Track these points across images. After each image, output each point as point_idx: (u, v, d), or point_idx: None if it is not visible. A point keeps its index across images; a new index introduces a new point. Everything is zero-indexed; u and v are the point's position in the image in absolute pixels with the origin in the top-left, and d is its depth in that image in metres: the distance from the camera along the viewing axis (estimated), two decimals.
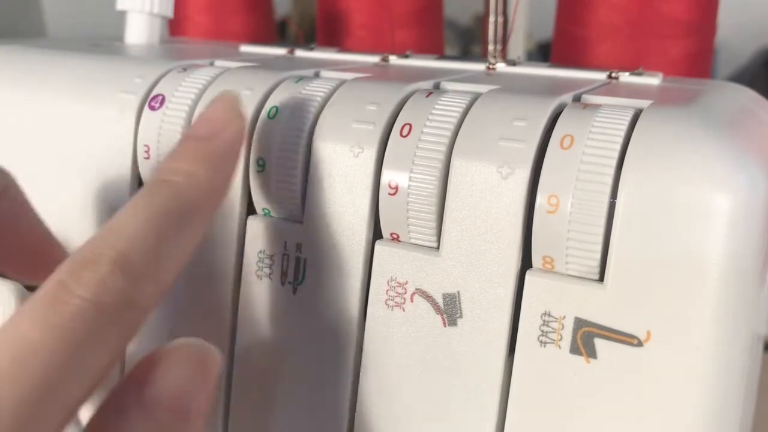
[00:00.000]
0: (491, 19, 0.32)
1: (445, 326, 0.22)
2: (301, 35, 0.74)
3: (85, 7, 0.56)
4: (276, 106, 0.24)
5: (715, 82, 0.28)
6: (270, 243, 0.24)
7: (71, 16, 0.58)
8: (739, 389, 0.20)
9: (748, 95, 0.26)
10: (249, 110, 0.24)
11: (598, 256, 0.20)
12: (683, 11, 0.36)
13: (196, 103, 0.25)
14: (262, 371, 0.24)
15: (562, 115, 0.21)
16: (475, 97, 0.22)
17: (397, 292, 0.22)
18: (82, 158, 0.27)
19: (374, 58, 0.31)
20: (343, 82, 0.24)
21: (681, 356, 0.19)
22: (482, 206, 0.21)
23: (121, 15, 0.36)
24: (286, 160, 0.23)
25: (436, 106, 0.22)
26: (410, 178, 0.21)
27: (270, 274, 0.24)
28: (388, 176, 0.22)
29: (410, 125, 0.22)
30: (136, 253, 0.17)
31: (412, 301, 0.22)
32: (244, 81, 0.25)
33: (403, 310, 0.22)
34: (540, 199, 0.20)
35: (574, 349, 0.20)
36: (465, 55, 0.84)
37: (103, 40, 0.36)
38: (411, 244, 0.22)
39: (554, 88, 0.24)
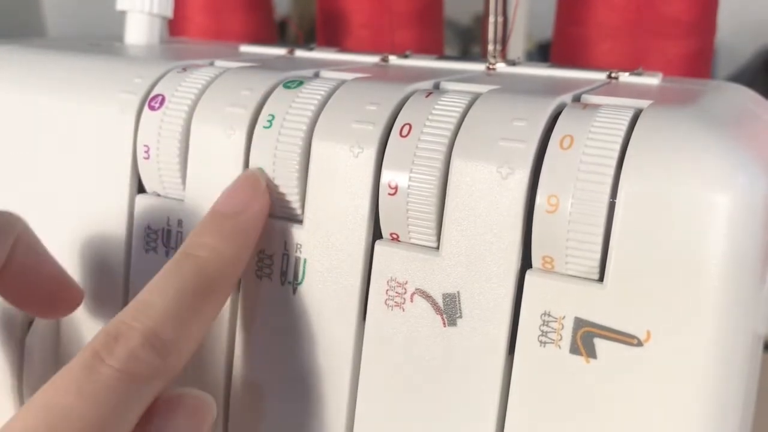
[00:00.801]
0: (491, 19, 0.32)
1: (444, 326, 0.22)
2: (301, 35, 0.74)
3: (85, 7, 0.56)
4: (275, 108, 0.24)
5: (715, 82, 0.28)
6: (270, 243, 0.24)
7: (71, 16, 0.58)
8: (739, 389, 0.20)
9: (748, 95, 0.26)
10: (249, 111, 0.24)
11: (598, 256, 0.20)
12: (683, 11, 0.36)
13: (195, 103, 0.25)
14: (262, 371, 0.24)
15: (561, 115, 0.21)
16: (475, 97, 0.22)
17: (397, 292, 0.22)
18: (82, 158, 0.27)
19: (374, 58, 0.31)
20: (343, 82, 0.24)
21: (681, 356, 0.19)
22: (482, 206, 0.21)
23: (121, 15, 0.36)
24: (286, 161, 0.23)
25: (436, 106, 0.22)
26: (410, 178, 0.21)
27: (270, 274, 0.24)
28: (387, 176, 0.22)
29: (410, 125, 0.22)
30: (163, 329, 0.19)
31: (412, 301, 0.22)
32: (243, 81, 0.25)
33: (403, 310, 0.22)
34: (540, 199, 0.20)
35: (574, 349, 0.20)
36: (465, 55, 0.84)
37: (103, 40, 0.36)
38: (411, 244, 0.22)
39: (554, 88, 0.24)
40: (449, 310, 0.21)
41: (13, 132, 0.29)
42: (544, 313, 0.20)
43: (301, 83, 0.24)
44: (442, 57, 0.31)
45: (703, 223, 0.18)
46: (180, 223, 0.25)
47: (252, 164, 0.24)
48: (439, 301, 0.22)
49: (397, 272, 0.22)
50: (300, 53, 0.32)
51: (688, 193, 0.18)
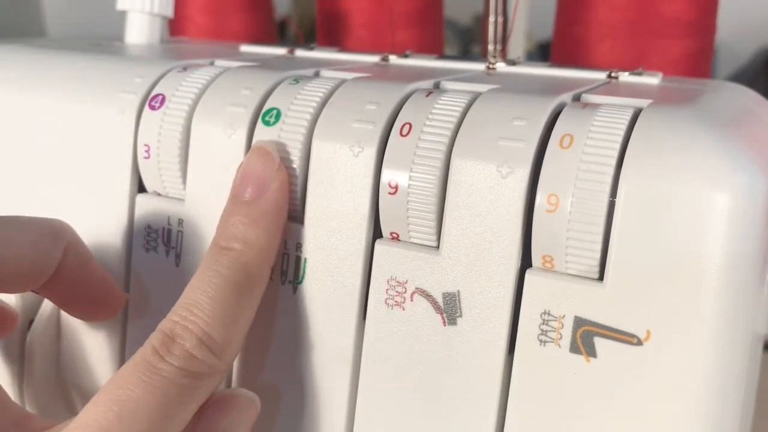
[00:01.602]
0: (491, 19, 0.32)
1: (445, 325, 0.22)
2: (301, 35, 0.74)
3: (85, 7, 0.56)
4: (276, 108, 0.24)
5: (715, 82, 0.28)
6: None
7: (71, 16, 0.58)
8: (738, 388, 0.20)
9: (748, 95, 0.26)
10: (249, 110, 0.24)
11: (598, 255, 0.20)
12: (683, 11, 0.36)
13: (196, 102, 0.25)
14: (262, 370, 0.24)
15: (561, 114, 0.21)
16: (475, 96, 0.22)
17: (397, 291, 0.22)
18: (82, 158, 0.27)
19: (374, 58, 0.31)
20: (343, 81, 0.24)
21: (680, 355, 0.19)
22: (482, 205, 0.21)
23: (121, 15, 0.36)
24: (286, 160, 0.23)
25: (436, 106, 0.22)
26: (410, 177, 0.21)
27: (270, 273, 0.24)
28: (388, 175, 0.22)
29: (410, 125, 0.22)
30: (214, 330, 0.21)
31: (412, 300, 0.22)
32: (244, 81, 0.25)
33: (403, 310, 0.22)
34: (540, 199, 0.20)
35: (574, 348, 0.20)
36: (465, 55, 0.84)
37: (103, 40, 0.36)
38: (411, 243, 0.22)
39: (554, 87, 0.24)
40: (449, 309, 0.21)
41: (13, 132, 0.29)
42: (544, 312, 0.20)
43: (302, 82, 0.24)
44: (442, 57, 0.31)
45: (703, 223, 0.18)
46: (180, 222, 0.25)
47: None
48: (440, 300, 0.22)
49: (397, 271, 0.22)
50: (300, 53, 0.32)
51: (687, 193, 0.18)
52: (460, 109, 0.22)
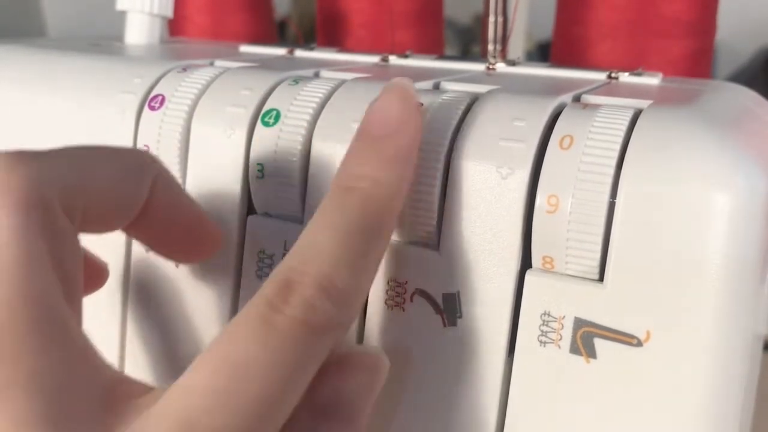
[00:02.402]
0: (491, 19, 0.32)
1: (444, 326, 0.22)
2: (301, 35, 0.74)
3: (85, 7, 0.56)
4: (275, 108, 0.24)
5: (715, 82, 0.28)
6: (270, 243, 0.24)
7: (71, 16, 0.58)
8: (738, 389, 0.20)
9: (748, 95, 0.26)
10: (249, 110, 0.24)
11: (598, 255, 0.20)
12: (683, 11, 0.36)
13: (195, 103, 0.25)
14: None
15: (561, 115, 0.21)
16: (475, 97, 0.22)
17: (396, 292, 0.22)
18: None
19: (374, 58, 0.31)
20: (343, 82, 0.24)
21: (681, 356, 0.19)
22: (482, 206, 0.21)
23: (121, 15, 0.36)
24: (285, 161, 0.23)
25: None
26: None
27: (270, 273, 0.24)
28: None
29: None
30: (338, 275, 0.17)
31: (411, 300, 0.22)
32: (243, 81, 0.25)
33: (403, 310, 0.22)
34: (540, 199, 0.20)
35: (574, 349, 0.20)
36: (465, 55, 0.84)
37: (103, 40, 0.36)
38: (410, 243, 0.22)
39: (554, 88, 0.24)
40: (449, 309, 0.21)
41: (13, 132, 0.29)
42: (544, 313, 0.20)
43: (301, 82, 0.24)
44: (442, 57, 0.31)
45: (703, 223, 0.18)
46: None
47: (252, 163, 0.24)
48: (439, 300, 0.22)
49: (396, 272, 0.22)
50: (300, 53, 0.32)
51: (687, 193, 0.18)
52: (460, 110, 0.22)
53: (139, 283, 0.26)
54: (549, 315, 0.20)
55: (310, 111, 0.23)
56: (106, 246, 0.27)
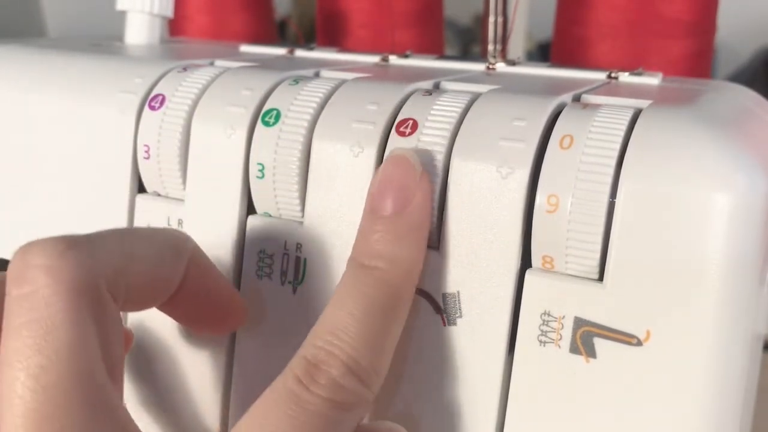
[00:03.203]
0: (491, 19, 0.32)
1: (445, 326, 0.22)
2: (301, 35, 0.74)
3: (85, 7, 0.57)
4: (276, 108, 0.24)
5: (715, 82, 0.28)
6: (270, 243, 0.24)
7: (71, 16, 0.58)
8: (738, 389, 0.20)
9: (748, 95, 0.26)
10: (249, 110, 0.24)
11: (598, 255, 0.20)
12: (683, 11, 0.36)
13: (196, 102, 0.25)
14: (262, 371, 0.24)
15: (561, 114, 0.21)
16: (475, 97, 0.22)
17: None
18: (82, 158, 0.27)
19: (374, 58, 0.31)
20: (343, 82, 0.24)
21: (680, 356, 0.19)
22: (482, 206, 0.21)
23: (121, 15, 0.36)
24: (285, 161, 0.23)
25: (436, 106, 0.22)
26: None
27: (270, 273, 0.24)
28: None
29: (412, 123, 0.22)
30: (362, 355, 0.19)
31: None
32: (244, 81, 0.25)
33: None
34: (540, 199, 0.20)
35: (574, 349, 0.20)
36: (465, 55, 0.84)
37: (103, 40, 0.36)
38: None
39: (554, 88, 0.24)
40: (449, 309, 0.21)
41: (13, 132, 0.29)
42: (544, 313, 0.20)
43: (301, 82, 0.24)
44: (442, 57, 0.31)
45: (703, 223, 0.18)
46: (180, 222, 0.25)
47: (252, 163, 0.24)
48: (439, 300, 0.22)
49: None
50: (300, 53, 0.32)
51: (687, 193, 0.18)
52: (460, 110, 0.22)
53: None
54: (549, 315, 0.20)
55: (311, 111, 0.23)
56: None
